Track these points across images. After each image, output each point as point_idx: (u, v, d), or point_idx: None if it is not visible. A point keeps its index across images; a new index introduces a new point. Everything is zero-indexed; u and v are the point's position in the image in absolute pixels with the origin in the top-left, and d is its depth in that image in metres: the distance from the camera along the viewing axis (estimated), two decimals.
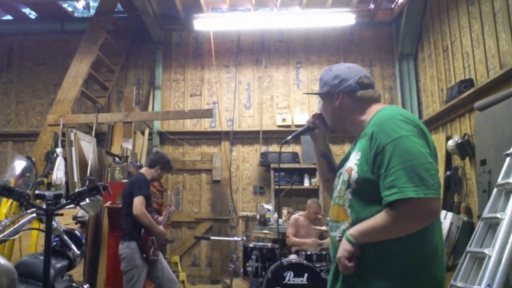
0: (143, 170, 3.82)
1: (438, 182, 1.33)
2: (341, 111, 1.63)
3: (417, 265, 1.39)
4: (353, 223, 1.47)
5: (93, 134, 6.01)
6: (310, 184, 6.39)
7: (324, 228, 4.80)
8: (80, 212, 4.73)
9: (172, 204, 4.02)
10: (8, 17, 7.64)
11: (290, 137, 1.93)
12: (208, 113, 5.95)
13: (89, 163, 5.67)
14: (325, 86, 1.66)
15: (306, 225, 5.08)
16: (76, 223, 4.79)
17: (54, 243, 2.62)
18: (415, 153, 1.34)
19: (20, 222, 2.38)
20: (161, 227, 3.70)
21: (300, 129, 1.89)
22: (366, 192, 1.44)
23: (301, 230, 5.09)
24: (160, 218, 3.79)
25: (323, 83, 1.68)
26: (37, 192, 2.08)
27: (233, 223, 6.65)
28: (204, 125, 7.01)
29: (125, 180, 4.96)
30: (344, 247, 1.44)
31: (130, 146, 6.19)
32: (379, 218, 1.38)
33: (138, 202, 3.46)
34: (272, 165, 6.41)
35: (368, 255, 1.43)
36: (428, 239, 1.40)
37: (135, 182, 3.62)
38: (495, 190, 3.32)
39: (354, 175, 1.47)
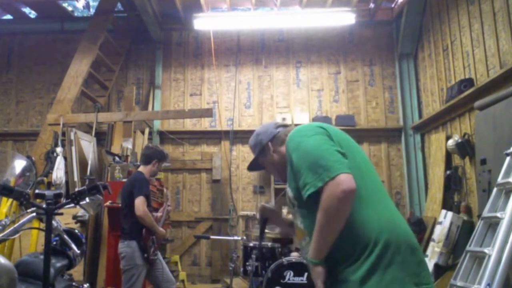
0: (141, 168, 3.78)
1: (338, 160, 1.39)
2: (277, 155, 1.75)
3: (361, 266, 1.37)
4: (310, 235, 1.50)
5: (93, 134, 6.00)
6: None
7: None
8: (80, 212, 4.74)
9: (169, 201, 4.02)
10: (8, 16, 7.63)
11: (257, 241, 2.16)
12: (208, 113, 5.94)
13: (89, 162, 5.67)
14: (255, 148, 1.83)
15: None
16: (76, 223, 4.79)
17: (54, 243, 2.61)
18: (311, 148, 1.46)
19: (20, 222, 2.38)
20: (161, 228, 3.70)
21: (260, 225, 2.07)
22: (305, 202, 1.48)
23: None
24: (159, 214, 3.78)
25: (253, 148, 1.85)
26: (37, 191, 2.09)
27: (233, 223, 6.65)
28: (204, 124, 7.01)
29: (125, 180, 4.96)
30: (314, 272, 1.47)
31: (130, 146, 6.20)
32: (315, 227, 1.42)
33: (139, 203, 3.45)
34: None
35: (329, 268, 1.45)
36: (356, 233, 1.39)
37: (135, 182, 3.60)
38: (495, 189, 3.32)
39: (290, 194, 1.58)
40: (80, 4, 8.12)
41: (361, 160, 1.55)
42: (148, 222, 3.50)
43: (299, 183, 1.45)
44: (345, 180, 1.35)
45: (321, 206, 1.38)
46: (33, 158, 5.28)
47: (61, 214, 2.10)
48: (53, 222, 2.21)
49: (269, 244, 4.50)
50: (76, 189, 2.23)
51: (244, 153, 6.89)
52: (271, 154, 1.77)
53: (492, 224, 3.19)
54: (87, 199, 2.39)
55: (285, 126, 1.81)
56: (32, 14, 7.66)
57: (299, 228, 1.59)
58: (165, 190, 5.04)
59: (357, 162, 1.51)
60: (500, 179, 3.29)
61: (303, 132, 1.54)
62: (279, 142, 1.76)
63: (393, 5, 6.88)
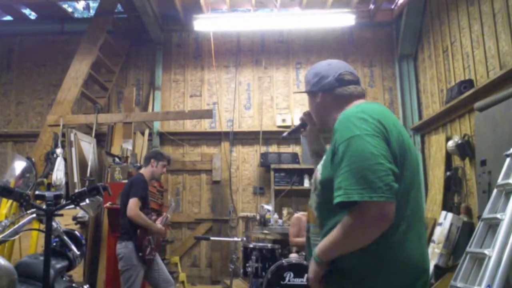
0: (142, 170, 3.85)
1: (388, 184, 1.22)
2: (322, 108, 1.61)
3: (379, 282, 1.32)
4: (320, 226, 1.46)
5: (93, 135, 6.00)
6: (310, 184, 6.38)
7: None
8: (80, 213, 4.73)
9: (169, 213, 4.02)
10: (8, 17, 7.64)
11: (286, 133, 1.98)
12: (208, 114, 5.94)
13: (89, 163, 5.67)
14: (308, 84, 1.67)
15: None
16: (76, 224, 4.79)
17: (54, 244, 2.62)
18: (365, 153, 1.25)
19: (20, 223, 2.38)
20: (159, 225, 3.70)
21: (295, 126, 1.91)
22: (329, 194, 1.33)
23: (303, 230, 5.08)
24: (158, 221, 3.79)
25: (306, 82, 1.69)
26: (37, 192, 2.09)
27: (233, 224, 6.64)
28: (204, 125, 7.01)
29: (125, 181, 4.96)
30: (311, 268, 1.41)
31: (130, 147, 6.19)
32: (334, 230, 1.32)
33: (132, 204, 3.47)
34: (272, 166, 6.41)
35: (333, 272, 1.39)
36: (388, 252, 1.31)
37: (133, 183, 3.63)
38: (495, 190, 3.32)
39: (319, 176, 1.46)
40: (80, 5, 8.14)
41: (412, 177, 1.37)
42: (140, 223, 3.51)
43: (335, 178, 1.30)
44: (386, 212, 1.22)
45: (345, 221, 1.27)
46: (33, 159, 5.30)
47: (61, 215, 2.11)
48: (53, 223, 2.20)
49: (269, 245, 4.50)
50: (76, 190, 2.23)
51: (244, 154, 6.89)
52: (318, 102, 1.61)
53: (492, 225, 3.19)
54: (87, 200, 2.39)
55: (347, 82, 1.58)
56: (32, 15, 7.67)
57: (312, 211, 1.51)
58: (169, 197, 5.01)
59: (408, 184, 1.35)
60: (500, 180, 3.29)
61: (359, 124, 1.31)
62: (333, 96, 1.57)
63: (393, 6, 6.89)
